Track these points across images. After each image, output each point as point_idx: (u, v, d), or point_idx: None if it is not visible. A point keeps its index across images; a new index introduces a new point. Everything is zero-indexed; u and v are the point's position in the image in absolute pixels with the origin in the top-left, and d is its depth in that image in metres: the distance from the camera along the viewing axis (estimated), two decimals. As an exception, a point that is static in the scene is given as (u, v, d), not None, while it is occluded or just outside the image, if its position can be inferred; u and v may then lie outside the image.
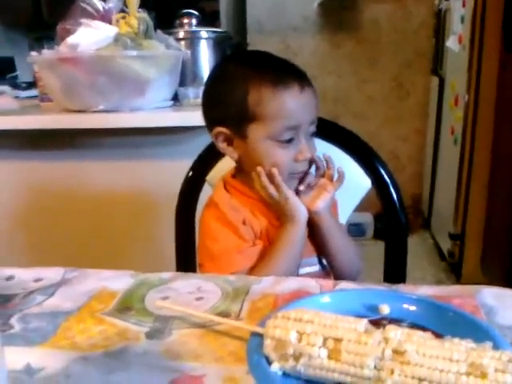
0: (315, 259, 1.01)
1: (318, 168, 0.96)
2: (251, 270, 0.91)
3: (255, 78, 0.88)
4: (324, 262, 1.01)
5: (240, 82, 0.89)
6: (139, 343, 0.57)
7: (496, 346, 0.48)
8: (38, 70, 1.75)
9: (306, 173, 0.95)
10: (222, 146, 0.94)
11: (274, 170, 0.90)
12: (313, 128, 0.92)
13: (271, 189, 0.91)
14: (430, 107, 3.17)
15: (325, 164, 0.96)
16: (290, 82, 0.87)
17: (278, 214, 0.94)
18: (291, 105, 0.87)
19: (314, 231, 0.98)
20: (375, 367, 0.45)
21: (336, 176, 0.96)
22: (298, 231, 0.93)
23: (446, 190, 2.73)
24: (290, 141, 0.89)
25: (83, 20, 1.45)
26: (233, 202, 0.96)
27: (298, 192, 0.95)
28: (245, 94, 0.87)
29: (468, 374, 0.42)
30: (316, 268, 1.00)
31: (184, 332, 0.59)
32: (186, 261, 1.09)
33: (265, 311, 0.63)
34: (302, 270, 0.97)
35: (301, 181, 0.95)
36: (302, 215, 0.93)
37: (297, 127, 0.88)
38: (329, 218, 0.97)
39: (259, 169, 0.90)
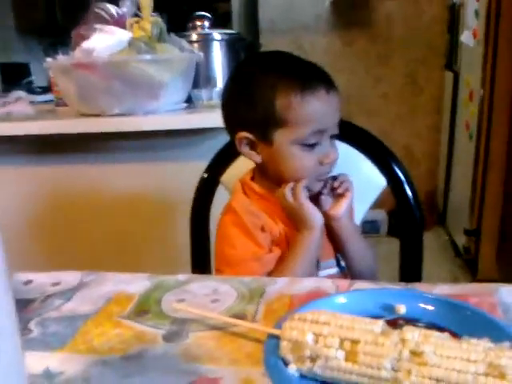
0: (334, 261, 1.01)
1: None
2: (268, 276, 0.91)
3: (283, 83, 0.87)
4: (342, 263, 1.01)
5: (267, 87, 0.88)
6: (156, 346, 0.58)
7: (514, 346, 0.47)
8: (54, 75, 1.77)
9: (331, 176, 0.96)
10: (244, 150, 0.94)
11: (301, 182, 0.91)
12: (336, 129, 0.92)
13: (289, 196, 0.91)
14: (445, 103, 3.14)
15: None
16: (317, 86, 0.87)
17: (295, 220, 0.94)
18: (319, 109, 0.87)
19: (332, 235, 0.98)
20: (392, 368, 0.45)
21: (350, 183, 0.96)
22: (313, 237, 0.93)
23: (461, 185, 2.70)
24: (315, 144, 0.89)
25: (97, 25, 1.47)
26: (252, 208, 0.95)
27: (318, 196, 0.95)
28: (272, 99, 0.87)
29: (486, 374, 0.42)
30: (334, 270, 1.00)
31: (200, 334, 0.60)
32: (202, 263, 1.09)
33: (280, 312, 0.63)
34: (322, 273, 0.98)
35: (324, 184, 0.95)
36: (318, 221, 0.93)
37: (323, 130, 0.89)
38: (348, 224, 0.98)
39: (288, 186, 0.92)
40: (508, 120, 2.24)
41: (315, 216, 0.93)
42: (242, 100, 0.92)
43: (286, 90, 0.86)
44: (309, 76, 0.89)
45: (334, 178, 0.95)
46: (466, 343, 0.45)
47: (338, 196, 0.95)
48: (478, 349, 0.44)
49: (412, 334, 0.46)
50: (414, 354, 0.44)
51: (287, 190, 0.91)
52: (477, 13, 2.39)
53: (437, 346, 0.44)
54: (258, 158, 0.93)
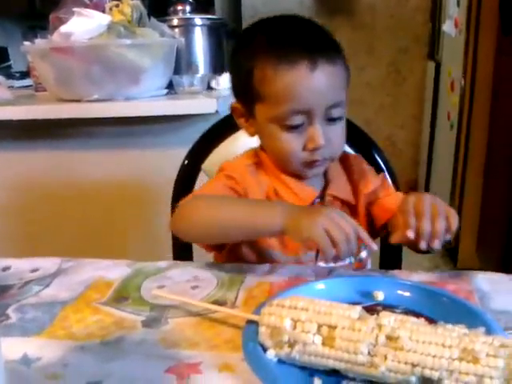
0: None
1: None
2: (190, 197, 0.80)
3: (262, 51, 0.77)
4: (362, 254, 0.89)
5: (249, 54, 0.79)
6: (136, 332, 0.58)
7: (489, 331, 0.48)
8: (32, 59, 1.74)
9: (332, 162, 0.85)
10: (238, 121, 0.87)
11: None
12: (336, 112, 0.79)
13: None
14: (427, 93, 3.16)
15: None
16: (297, 59, 0.75)
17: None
18: (297, 86, 0.75)
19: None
20: (369, 353, 0.45)
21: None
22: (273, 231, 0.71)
23: (442, 175, 2.73)
24: (299, 126, 0.78)
25: (76, 9, 1.44)
26: (238, 174, 0.84)
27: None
28: (251, 69, 0.78)
29: (460, 359, 0.43)
30: (346, 261, 0.85)
31: (180, 320, 0.60)
32: (183, 249, 1.09)
33: (260, 299, 0.63)
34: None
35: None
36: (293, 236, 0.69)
37: (308, 112, 0.76)
38: None
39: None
40: (488, 110, 2.27)
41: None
42: (232, 67, 0.86)
43: (263, 60, 0.77)
44: (290, 47, 0.76)
45: None
46: (442, 329, 0.46)
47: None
48: (452, 334, 0.45)
49: (388, 319, 0.46)
50: (390, 339, 0.45)
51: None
52: (458, 2, 2.40)
53: (412, 331, 0.45)
54: (251, 132, 0.86)
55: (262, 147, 0.89)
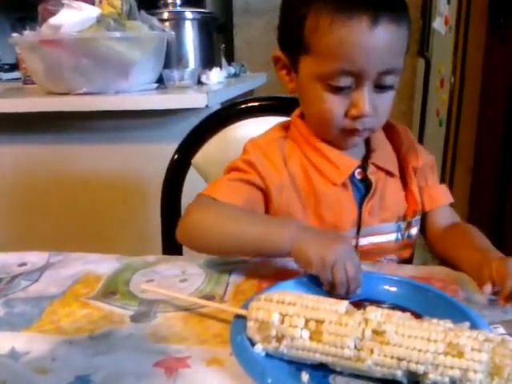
0: (393, 226, 0.82)
1: None
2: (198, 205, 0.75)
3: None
4: (413, 230, 0.84)
5: (303, 0, 0.71)
6: (124, 326, 0.58)
7: (474, 326, 0.49)
8: (21, 51, 1.73)
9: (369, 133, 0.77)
10: (279, 73, 0.80)
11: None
12: (389, 79, 0.71)
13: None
14: (416, 89, 3.18)
15: None
16: (357, 12, 0.66)
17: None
18: (352, 43, 0.67)
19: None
20: (355, 347, 0.46)
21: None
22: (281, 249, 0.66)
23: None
24: (344, 88, 0.70)
25: (65, 1, 1.43)
26: (289, 150, 0.80)
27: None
28: (304, 16, 0.70)
29: (445, 353, 0.43)
30: (392, 237, 0.83)
31: (169, 315, 0.60)
32: (172, 244, 1.09)
33: (249, 293, 0.64)
34: (375, 239, 0.81)
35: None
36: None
37: (358, 74, 0.69)
38: None
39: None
40: (477, 107, 2.29)
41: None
42: (282, 11, 0.78)
43: (319, 7, 0.68)
44: None
45: None
46: (427, 323, 0.47)
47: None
48: (438, 329, 0.45)
49: (375, 313, 0.47)
50: (377, 333, 0.46)
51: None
52: (449, -1, 2.42)
53: (398, 325, 0.46)
54: (290, 88, 0.79)
55: (298, 115, 0.82)
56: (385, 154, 0.83)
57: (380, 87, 0.71)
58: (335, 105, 0.71)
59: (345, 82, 0.69)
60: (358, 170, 0.80)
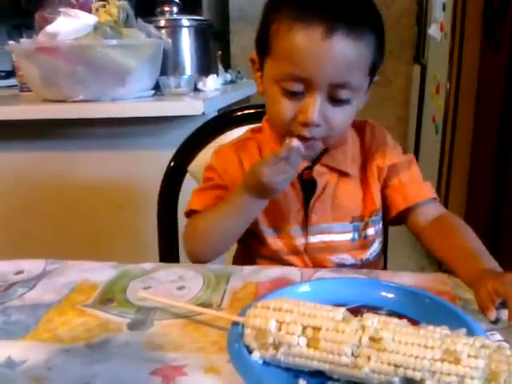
0: (348, 226, 0.85)
1: None
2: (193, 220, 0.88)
3: (287, 5, 0.73)
4: (371, 230, 0.86)
5: (275, 5, 0.76)
6: (121, 335, 0.58)
7: (470, 332, 0.49)
8: (17, 59, 1.73)
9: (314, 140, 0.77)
10: (255, 75, 0.84)
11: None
12: (343, 93, 0.72)
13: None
14: (412, 95, 3.19)
15: None
16: (314, 22, 0.69)
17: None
18: (303, 50, 0.70)
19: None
20: (352, 354, 0.46)
21: None
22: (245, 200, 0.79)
23: (427, 177, 2.75)
24: (299, 94, 0.73)
25: (62, 8, 1.43)
26: (246, 152, 0.88)
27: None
28: (271, 21, 0.74)
29: (442, 360, 0.43)
30: (347, 236, 0.85)
31: (166, 323, 0.60)
32: (169, 251, 1.09)
33: (246, 301, 0.64)
34: (326, 237, 0.85)
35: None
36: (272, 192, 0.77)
37: (308, 81, 0.71)
38: None
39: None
40: (473, 113, 2.29)
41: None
42: (261, 18, 0.80)
43: (283, 14, 0.72)
44: (314, 7, 0.70)
45: None
46: (424, 330, 0.47)
47: None
48: (434, 335, 0.46)
49: (371, 320, 0.47)
50: (374, 340, 0.46)
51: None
52: (444, 6, 2.43)
53: (395, 332, 0.46)
54: (260, 90, 0.83)
55: (267, 118, 0.87)
56: (342, 155, 0.84)
57: (335, 100, 0.73)
58: (286, 108, 0.74)
59: (297, 87, 0.72)
60: (306, 171, 0.83)
